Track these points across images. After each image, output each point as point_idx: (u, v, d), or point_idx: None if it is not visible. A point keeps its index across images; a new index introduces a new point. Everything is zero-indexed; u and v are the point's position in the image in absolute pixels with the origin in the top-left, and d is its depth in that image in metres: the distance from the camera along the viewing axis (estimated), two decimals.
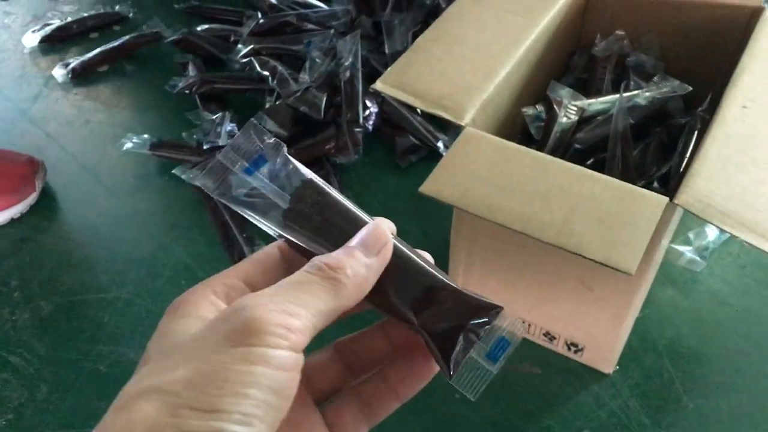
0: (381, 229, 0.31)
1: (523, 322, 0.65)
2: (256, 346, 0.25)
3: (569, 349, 0.64)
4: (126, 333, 0.65)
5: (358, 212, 0.32)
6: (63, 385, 0.62)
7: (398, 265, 0.31)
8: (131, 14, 1.02)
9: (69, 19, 1.02)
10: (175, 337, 0.27)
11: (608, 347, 0.62)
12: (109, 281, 0.69)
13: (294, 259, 0.32)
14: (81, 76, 0.93)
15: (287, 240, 0.32)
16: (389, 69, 0.59)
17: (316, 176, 0.32)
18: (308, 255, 0.30)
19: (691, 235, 0.73)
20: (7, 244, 0.75)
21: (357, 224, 0.31)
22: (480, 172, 0.52)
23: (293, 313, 0.27)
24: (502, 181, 0.51)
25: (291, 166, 0.32)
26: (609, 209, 0.49)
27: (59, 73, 0.92)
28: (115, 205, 0.77)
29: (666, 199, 0.50)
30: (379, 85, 0.58)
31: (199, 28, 0.97)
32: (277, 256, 0.32)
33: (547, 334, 0.64)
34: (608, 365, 0.64)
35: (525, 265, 0.60)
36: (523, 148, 0.54)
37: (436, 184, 0.51)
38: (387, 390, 0.33)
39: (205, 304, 0.29)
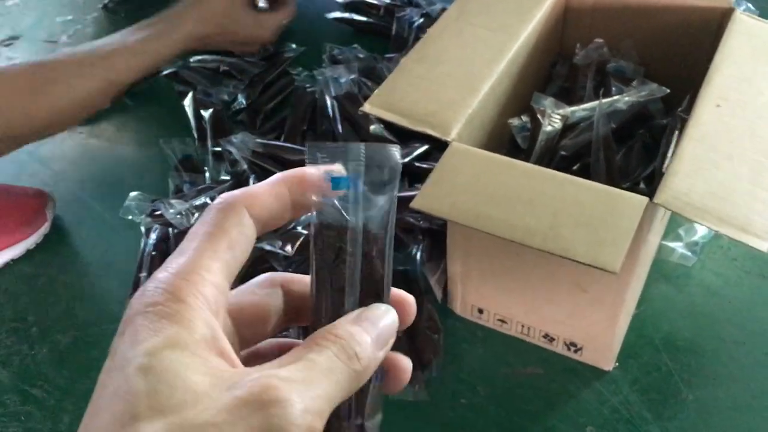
0: (395, 325, 0.30)
1: (523, 326, 0.67)
2: None
3: (569, 348, 0.66)
4: None
5: (387, 278, 0.31)
6: (83, 414, 0.65)
7: None
8: None
9: None
10: (182, 396, 0.23)
11: (606, 345, 0.64)
12: (122, 311, 0.71)
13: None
14: None
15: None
16: (376, 91, 0.62)
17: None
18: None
19: (681, 232, 0.75)
20: (22, 281, 0.77)
21: (375, 289, 0.31)
22: (467, 184, 0.55)
23: (321, 412, 0.25)
24: (488, 191, 0.54)
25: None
26: (592, 212, 0.52)
27: None
28: (124, 238, 0.80)
29: (646, 199, 0.52)
30: (367, 107, 0.61)
31: (192, 60, 1.00)
32: (244, 226, 0.29)
33: (546, 335, 0.66)
34: (608, 362, 0.66)
35: (520, 271, 0.62)
36: (507, 159, 0.56)
37: (425, 199, 0.54)
38: None
39: (198, 328, 0.25)
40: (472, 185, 0.54)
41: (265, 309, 0.32)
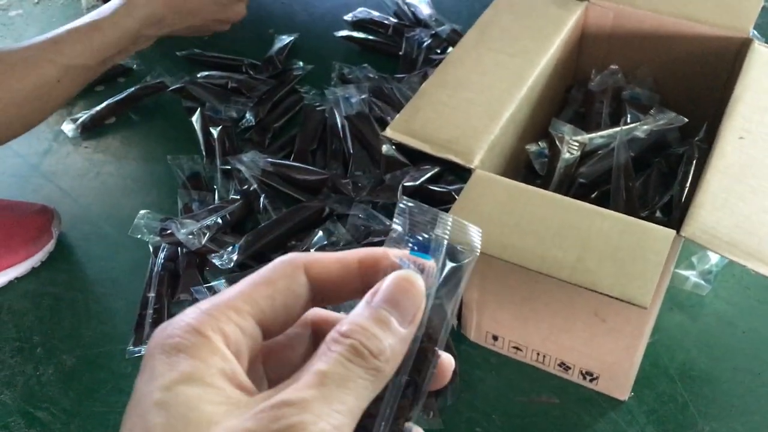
0: (415, 285, 0.27)
1: (538, 354, 0.66)
2: None
3: (584, 378, 0.66)
4: None
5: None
6: None
7: None
8: (135, 66, 1.04)
9: None
10: (197, 428, 0.23)
11: (623, 375, 0.64)
12: (129, 332, 0.70)
13: (320, 282, 0.29)
14: (90, 130, 0.95)
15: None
16: (398, 116, 0.62)
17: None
18: None
19: (694, 260, 0.75)
20: (26, 300, 0.76)
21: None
22: (492, 213, 0.54)
23: (341, 427, 0.24)
24: (513, 221, 0.53)
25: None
26: (619, 244, 0.51)
27: (68, 127, 0.94)
28: (131, 257, 0.79)
29: (673, 232, 0.52)
30: (389, 132, 0.60)
31: (199, 75, 1.00)
32: (294, 280, 0.28)
33: (562, 364, 0.66)
34: (623, 392, 0.65)
35: (538, 299, 0.61)
36: (531, 188, 0.56)
37: None
38: None
39: (214, 364, 0.25)
40: (497, 214, 0.54)
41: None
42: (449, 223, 0.30)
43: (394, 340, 0.26)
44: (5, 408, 0.67)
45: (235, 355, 0.26)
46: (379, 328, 0.26)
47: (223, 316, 0.26)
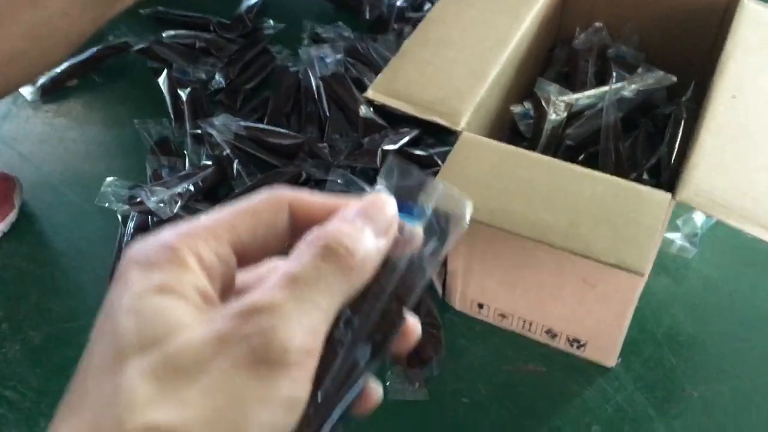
0: (388, 203, 0.27)
1: (524, 321, 0.65)
2: (279, 385, 0.22)
3: (572, 345, 0.64)
4: None
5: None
6: None
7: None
8: None
9: None
10: (166, 331, 0.23)
11: (611, 341, 0.62)
12: (99, 306, 0.67)
13: (302, 221, 0.28)
14: (50, 93, 0.90)
15: None
16: (379, 76, 0.59)
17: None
18: None
19: (679, 222, 0.74)
20: None
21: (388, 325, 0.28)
22: (480, 177, 0.52)
23: (314, 331, 0.24)
24: (503, 185, 0.51)
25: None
26: (613, 209, 0.49)
27: (27, 90, 0.89)
28: (98, 226, 0.75)
29: (668, 196, 0.50)
30: (370, 93, 0.57)
31: (165, 35, 0.95)
32: (277, 215, 0.27)
33: (548, 331, 0.64)
34: (611, 358, 0.64)
35: (526, 266, 0.60)
36: (521, 150, 0.53)
37: None
38: None
39: (187, 279, 0.24)
40: (485, 178, 0.51)
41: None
42: (438, 190, 0.29)
43: (369, 245, 0.26)
44: None
45: (209, 277, 0.25)
46: (353, 231, 0.26)
47: (200, 239, 0.25)
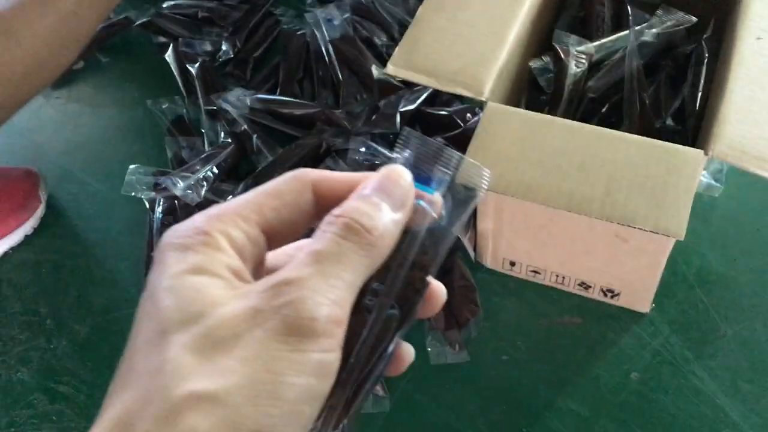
0: (403, 176, 0.28)
1: (557, 276, 0.66)
2: (310, 352, 0.24)
3: (605, 295, 0.65)
4: None
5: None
6: None
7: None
8: None
9: None
10: (203, 307, 0.25)
11: (645, 289, 0.63)
12: (138, 293, 0.68)
13: (326, 200, 0.29)
14: (58, 78, 0.89)
15: None
16: (397, 49, 0.58)
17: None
18: None
19: None
20: (26, 271, 0.73)
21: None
22: (511, 150, 0.52)
23: (340, 302, 0.25)
24: (535, 156, 0.51)
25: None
26: (647, 172, 0.49)
27: None
28: (126, 213, 0.76)
29: (701, 153, 0.50)
30: (391, 68, 0.57)
31: (165, 5, 0.93)
32: (301, 195, 0.29)
33: (582, 284, 0.65)
34: (645, 305, 0.65)
35: (555, 225, 0.60)
36: (550, 117, 0.53)
37: None
38: None
39: (220, 259, 0.26)
40: (516, 151, 0.51)
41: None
42: (455, 158, 0.30)
43: (386, 220, 0.27)
44: (25, 386, 0.66)
45: (240, 257, 0.27)
46: (371, 208, 0.27)
47: (230, 221, 0.27)
